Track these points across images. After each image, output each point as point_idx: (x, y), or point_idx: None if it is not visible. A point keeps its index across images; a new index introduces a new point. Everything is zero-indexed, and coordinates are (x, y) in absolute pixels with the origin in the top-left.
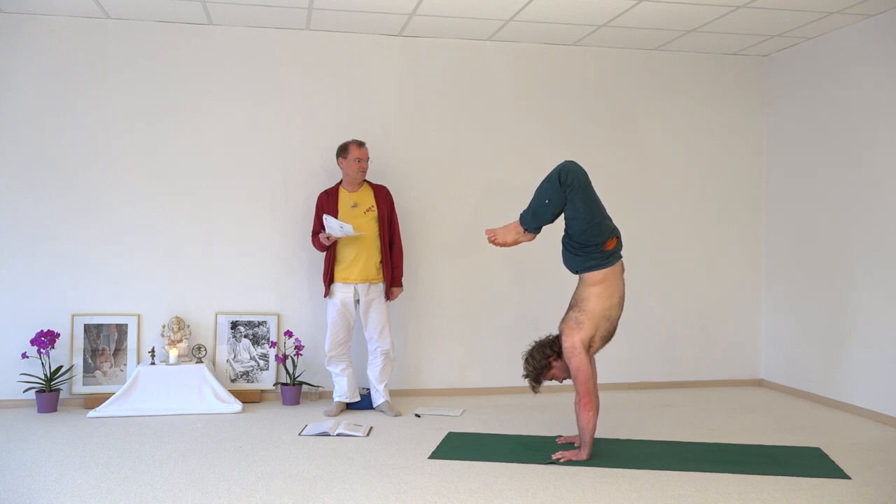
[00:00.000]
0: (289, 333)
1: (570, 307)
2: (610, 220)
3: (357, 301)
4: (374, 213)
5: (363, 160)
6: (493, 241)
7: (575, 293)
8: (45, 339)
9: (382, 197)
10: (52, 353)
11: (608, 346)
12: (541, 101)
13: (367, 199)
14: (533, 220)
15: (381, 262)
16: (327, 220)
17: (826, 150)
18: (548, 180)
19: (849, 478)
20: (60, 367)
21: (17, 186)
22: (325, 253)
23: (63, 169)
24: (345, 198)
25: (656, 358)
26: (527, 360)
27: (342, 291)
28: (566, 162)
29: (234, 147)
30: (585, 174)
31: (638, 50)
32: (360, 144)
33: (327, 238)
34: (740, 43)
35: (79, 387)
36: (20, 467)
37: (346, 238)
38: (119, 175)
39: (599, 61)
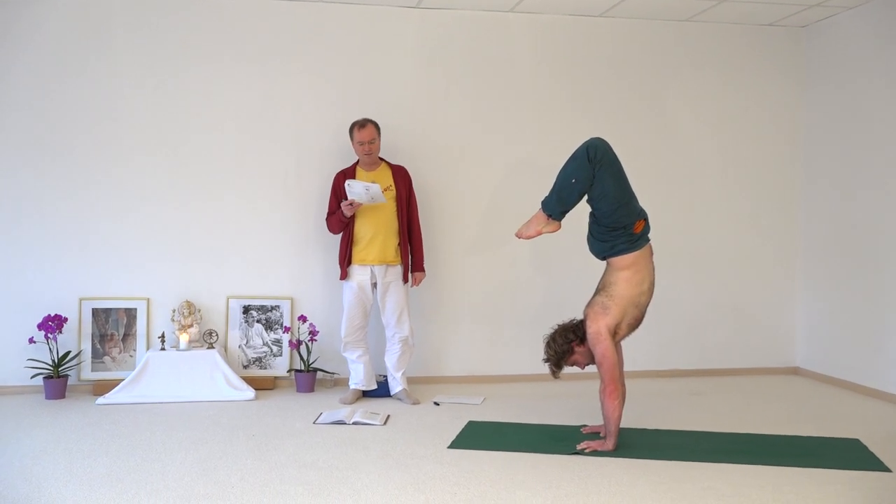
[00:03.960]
0: (303, 318)
1: (597, 291)
2: (637, 200)
3: (374, 284)
4: (393, 192)
5: (365, 142)
6: (518, 236)
7: (603, 277)
8: (53, 324)
9: (401, 177)
10: (59, 338)
11: (635, 332)
12: (565, 77)
13: (386, 178)
14: (558, 204)
15: (398, 243)
16: (350, 184)
17: (867, 129)
18: (574, 159)
19: (889, 470)
20: (68, 353)
21: (23, 168)
22: (340, 234)
23: (70, 150)
24: (362, 177)
25: (686, 344)
26: (548, 344)
27: (359, 274)
28: (593, 138)
29: (246, 126)
30: (613, 151)
31: (668, 21)
32: (362, 125)
33: (350, 205)
34: (776, 13)
35: (87, 373)
36: (28, 455)
37: (363, 217)
38: (127, 156)
39: (627, 34)
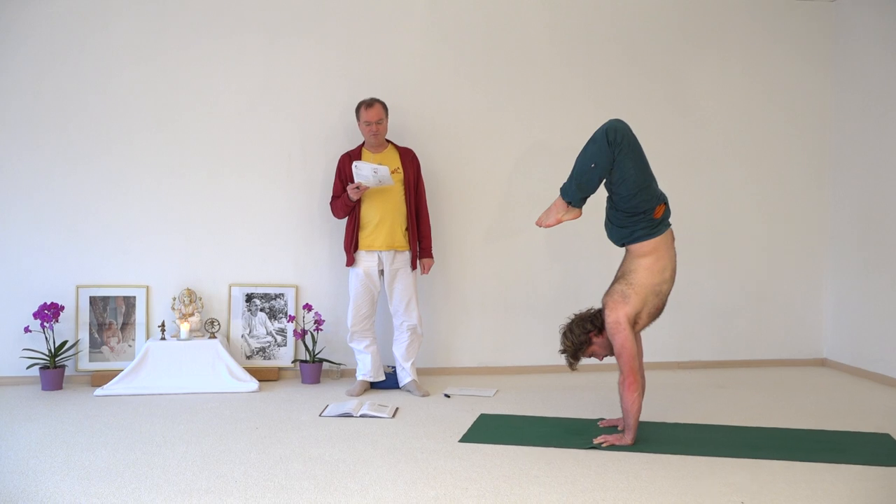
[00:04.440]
0: (308, 307)
1: (616, 279)
2: (657, 184)
3: (381, 271)
4: (400, 175)
5: (372, 123)
6: (538, 225)
7: (622, 265)
8: (49, 313)
9: (409, 160)
10: (55, 327)
11: (655, 321)
12: (581, 56)
13: (393, 160)
14: (578, 191)
15: (406, 228)
16: (358, 166)
17: None
18: (592, 142)
19: None
20: (65, 342)
21: (17, 150)
22: (346, 219)
23: (66, 131)
24: (368, 160)
25: (708, 335)
26: (565, 335)
27: (366, 260)
28: (612, 120)
29: (248, 106)
30: (633, 133)
31: None
32: (369, 105)
33: (356, 188)
34: None
35: (85, 363)
36: (25, 448)
37: (370, 201)
38: (125, 137)
39: (646, 9)
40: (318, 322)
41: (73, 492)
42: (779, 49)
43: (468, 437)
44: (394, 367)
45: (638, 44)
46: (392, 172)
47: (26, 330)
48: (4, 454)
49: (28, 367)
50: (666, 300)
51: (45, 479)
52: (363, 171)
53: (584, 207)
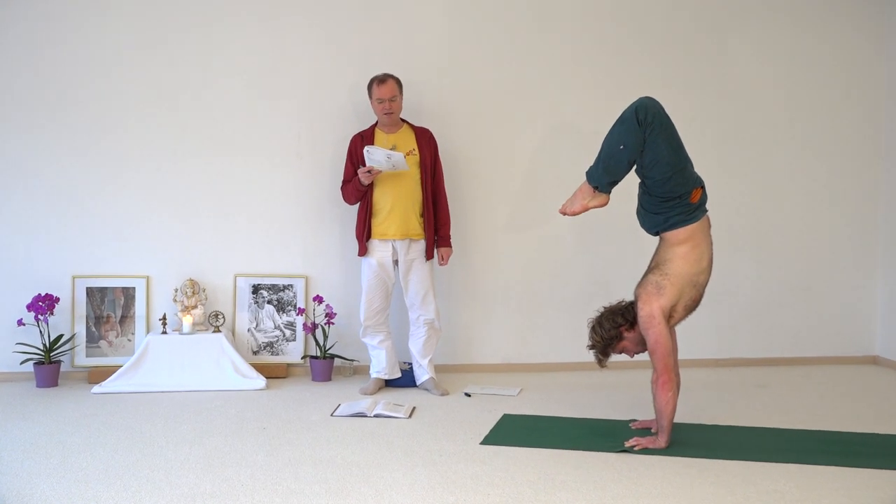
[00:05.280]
0: (318, 299)
1: (650, 269)
2: (693, 166)
3: (396, 261)
4: (416, 157)
5: (385, 100)
6: (563, 213)
7: (656, 254)
8: (43, 305)
9: (425, 140)
10: (50, 320)
11: (691, 315)
12: (611, 28)
13: (408, 141)
14: (605, 175)
15: (422, 214)
16: (370, 151)
17: None
18: (621, 122)
19: None
20: (61, 336)
21: (10, 133)
22: (357, 205)
23: (62, 112)
24: (381, 140)
25: (749, 330)
26: (593, 329)
27: (379, 250)
28: (643, 98)
29: (254, 84)
30: (665, 112)
31: None
32: (382, 81)
33: (367, 173)
34: None
35: (81, 358)
36: (18, 448)
37: (382, 185)
38: (125, 119)
39: None
40: (330, 315)
41: (70, 495)
42: (827, 18)
43: (490, 440)
44: (410, 364)
45: (672, 15)
46: (407, 154)
47: (20, 323)
48: None
49: (22, 363)
50: (703, 292)
51: (40, 481)
52: (376, 157)
53: (613, 194)
